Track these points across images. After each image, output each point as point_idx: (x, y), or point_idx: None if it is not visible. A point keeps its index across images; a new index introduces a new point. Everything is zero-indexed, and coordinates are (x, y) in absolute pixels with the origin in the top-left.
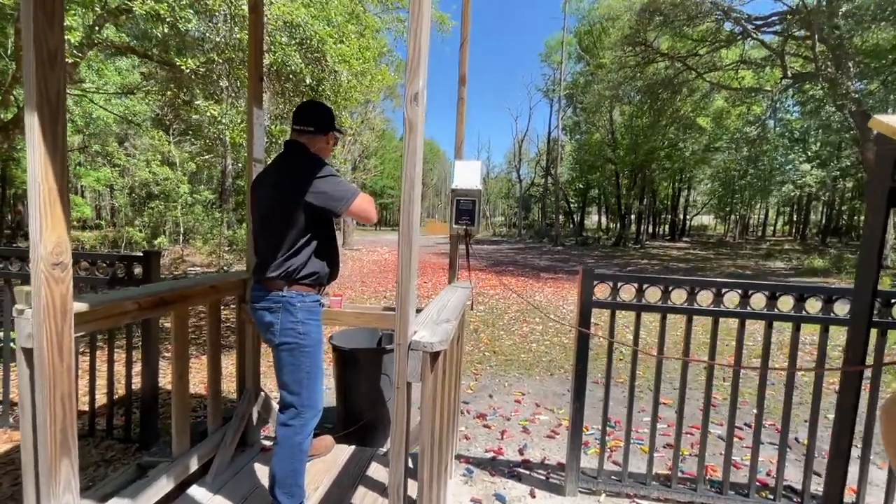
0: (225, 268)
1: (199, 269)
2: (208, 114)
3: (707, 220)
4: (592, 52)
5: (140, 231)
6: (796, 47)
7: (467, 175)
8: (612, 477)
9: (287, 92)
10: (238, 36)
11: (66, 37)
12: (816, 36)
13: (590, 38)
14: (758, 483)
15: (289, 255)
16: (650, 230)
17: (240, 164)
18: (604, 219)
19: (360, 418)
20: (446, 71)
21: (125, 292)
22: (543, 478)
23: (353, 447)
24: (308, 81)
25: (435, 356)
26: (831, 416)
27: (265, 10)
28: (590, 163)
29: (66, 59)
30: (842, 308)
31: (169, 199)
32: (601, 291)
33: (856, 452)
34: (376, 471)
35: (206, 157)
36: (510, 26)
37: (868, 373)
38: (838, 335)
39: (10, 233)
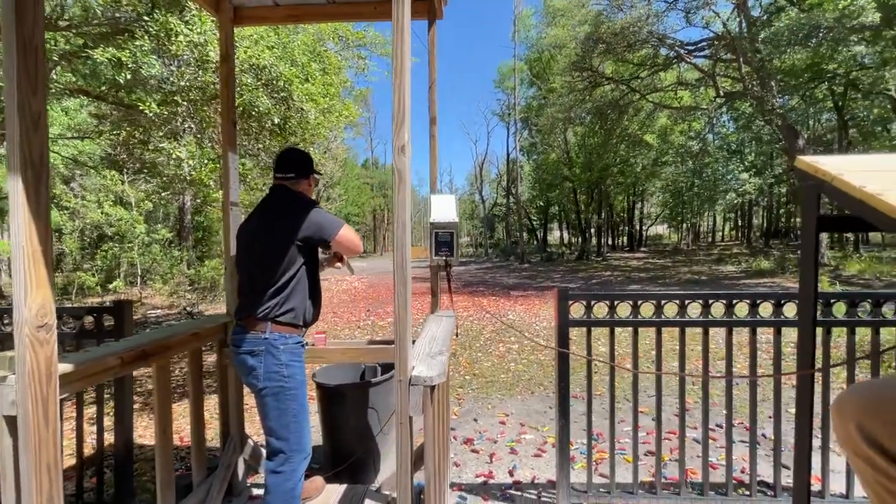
0: (187, 308)
1: (160, 311)
2: (174, 155)
3: (661, 229)
4: (543, 77)
5: (93, 275)
6: (725, 69)
7: (444, 209)
8: (601, 489)
9: (252, 130)
10: (203, 79)
11: None
12: (741, 59)
13: (539, 64)
14: (734, 481)
15: (274, 292)
16: (610, 242)
17: (198, 200)
18: (565, 234)
19: (349, 455)
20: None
21: (106, 349)
22: (535, 497)
23: (344, 486)
24: (276, 120)
25: (433, 389)
26: (792, 410)
27: None
28: (548, 181)
29: None
30: (790, 309)
31: (124, 240)
32: (575, 310)
33: (816, 443)
34: None
35: (163, 194)
36: (464, 53)
37: (819, 364)
38: (790, 332)
39: None
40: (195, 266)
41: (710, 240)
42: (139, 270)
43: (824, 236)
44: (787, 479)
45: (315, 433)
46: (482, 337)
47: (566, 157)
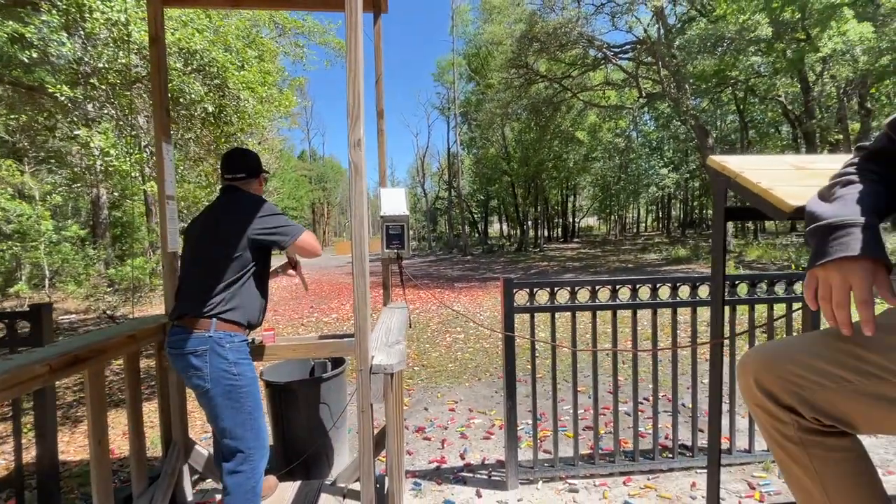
0: (108, 311)
1: (73, 315)
2: (92, 144)
3: (592, 221)
4: (481, 72)
5: None
6: (647, 71)
7: (394, 202)
8: (546, 464)
9: (182, 118)
10: (124, 60)
11: None
12: (660, 63)
13: (477, 60)
14: (660, 446)
15: (221, 289)
16: (546, 234)
17: (115, 194)
18: (505, 226)
19: (301, 452)
20: (344, 92)
21: (31, 355)
22: (486, 477)
23: (298, 482)
24: (210, 109)
25: (392, 377)
26: (706, 381)
27: None
28: (488, 175)
29: None
30: (703, 291)
31: (26, 238)
32: (520, 298)
33: (725, 408)
34: (327, 501)
35: (73, 186)
36: (405, 46)
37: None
38: (703, 312)
39: None
40: (114, 266)
41: (635, 230)
42: (46, 272)
43: (729, 227)
44: (702, 441)
45: None
46: (429, 329)
47: (504, 152)
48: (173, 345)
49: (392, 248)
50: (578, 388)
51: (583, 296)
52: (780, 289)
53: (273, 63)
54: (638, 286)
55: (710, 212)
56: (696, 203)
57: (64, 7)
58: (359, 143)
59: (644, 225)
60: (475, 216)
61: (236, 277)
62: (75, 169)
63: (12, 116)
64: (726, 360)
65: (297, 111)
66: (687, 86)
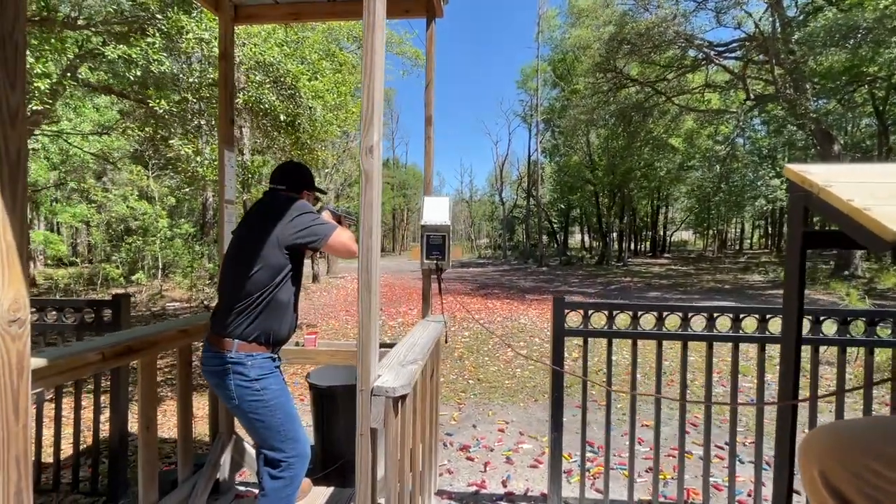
0: (205, 302)
1: (178, 303)
2: (182, 151)
3: (686, 235)
4: (566, 78)
5: (117, 267)
6: (757, 71)
7: (436, 211)
8: None
9: (265, 127)
10: (212, 76)
11: (37, 84)
12: (774, 60)
13: (563, 65)
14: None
15: (245, 309)
16: (632, 247)
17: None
18: (586, 238)
19: (338, 457)
20: (423, 102)
21: (87, 344)
22: None
23: (331, 488)
24: (282, 118)
25: (398, 400)
26: (807, 430)
27: (238, 50)
28: (570, 184)
29: (37, 107)
30: (804, 326)
31: (147, 233)
32: (574, 319)
33: None
34: None
35: (186, 189)
36: (486, 54)
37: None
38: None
39: None
40: (215, 261)
41: (737, 247)
42: (160, 264)
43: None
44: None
45: (307, 433)
46: (490, 341)
47: (588, 160)
48: (203, 362)
49: (432, 259)
50: (643, 422)
51: (648, 322)
52: None
53: (353, 74)
54: (716, 315)
55: (831, 228)
56: (816, 219)
57: (166, 30)
58: (370, 151)
59: (749, 242)
60: (554, 226)
61: (269, 287)
62: (187, 174)
63: (141, 129)
64: (828, 406)
65: (384, 121)
66: (808, 85)
